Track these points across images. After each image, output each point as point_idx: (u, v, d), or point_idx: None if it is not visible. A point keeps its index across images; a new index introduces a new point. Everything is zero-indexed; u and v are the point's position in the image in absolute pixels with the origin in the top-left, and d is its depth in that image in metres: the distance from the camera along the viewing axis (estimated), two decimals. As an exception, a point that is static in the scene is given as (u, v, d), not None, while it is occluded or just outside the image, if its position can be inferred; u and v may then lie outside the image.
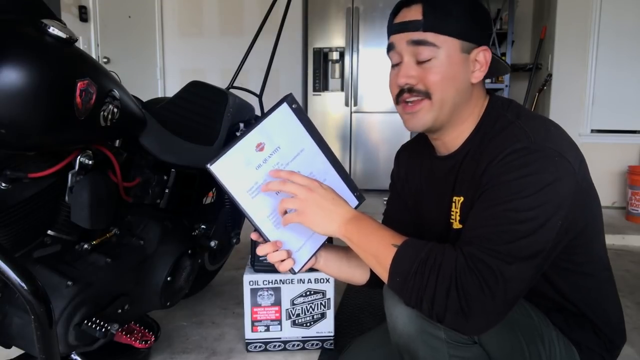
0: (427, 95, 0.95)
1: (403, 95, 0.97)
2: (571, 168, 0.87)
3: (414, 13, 0.93)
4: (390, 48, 0.98)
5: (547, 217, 0.83)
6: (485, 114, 0.99)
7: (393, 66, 1.00)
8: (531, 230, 0.83)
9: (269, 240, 0.92)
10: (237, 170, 0.88)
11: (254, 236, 0.95)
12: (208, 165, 0.85)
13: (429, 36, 0.92)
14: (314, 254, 0.99)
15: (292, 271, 0.96)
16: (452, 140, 1.02)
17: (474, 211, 0.90)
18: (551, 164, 0.85)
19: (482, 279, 0.80)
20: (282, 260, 0.94)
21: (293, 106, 0.93)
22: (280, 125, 0.91)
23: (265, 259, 0.95)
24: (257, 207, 0.90)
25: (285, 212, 0.91)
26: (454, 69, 0.93)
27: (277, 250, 0.93)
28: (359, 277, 1.11)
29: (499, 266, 0.81)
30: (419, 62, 0.94)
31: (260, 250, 0.93)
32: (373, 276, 1.09)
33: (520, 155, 0.86)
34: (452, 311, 0.81)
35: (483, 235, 0.84)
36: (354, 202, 1.00)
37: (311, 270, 1.04)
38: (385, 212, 1.24)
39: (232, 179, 0.87)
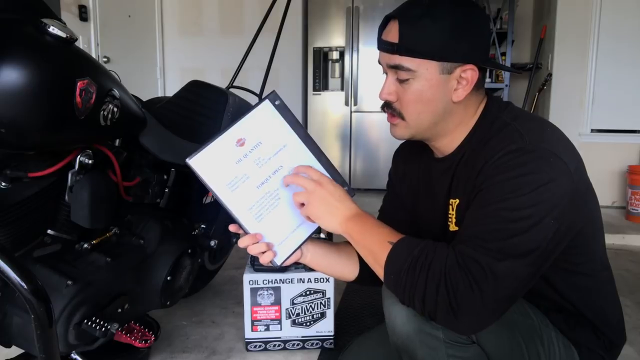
0: (401, 116, 0.98)
1: (385, 108, 1.00)
2: (567, 169, 0.86)
3: (393, 33, 0.92)
4: (378, 60, 1.00)
5: (541, 216, 0.83)
6: (481, 117, 0.99)
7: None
8: (524, 228, 0.83)
9: (248, 233, 0.93)
10: (216, 164, 0.90)
11: (232, 228, 0.96)
12: (187, 160, 0.87)
13: (405, 61, 0.92)
14: (298, 248, 1.00)
15: (273, 263, 0.96)
16: (445, 145, 1.02)
17: (470, 211, 0.90)
18: (546, 164, 0.85)
19: (471, 276, 0.80)
20: (263, 253, 0.94)
21: (276, 103, 0.95)
22: (261, 122, 0.94)
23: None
24: (237, 201, 0.92)
25: (303, 205, 0.93)
26: (431, 92, 0.93)
27: (257, 242, 0.94)
28: (348, 273, 1.10)
29: (489, 263, 0.81)
30: (400, 81, 0.95)
31: (241, 243, 0.94)
32: (362, 272, 1.09)
33: (516, 155, 0.86)
34: (442, 309, 0.81)
35: (476, 234, 0.84)
36: None
37: (310, 269, 1.04)
38: (381, 209, 1.24)
39: (211, 173, 0.89)
